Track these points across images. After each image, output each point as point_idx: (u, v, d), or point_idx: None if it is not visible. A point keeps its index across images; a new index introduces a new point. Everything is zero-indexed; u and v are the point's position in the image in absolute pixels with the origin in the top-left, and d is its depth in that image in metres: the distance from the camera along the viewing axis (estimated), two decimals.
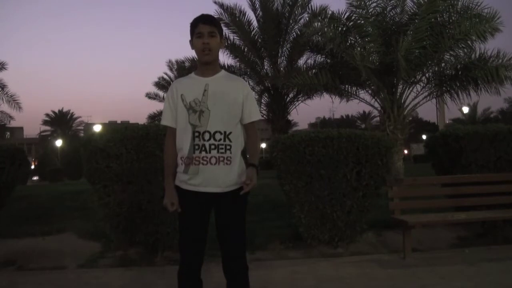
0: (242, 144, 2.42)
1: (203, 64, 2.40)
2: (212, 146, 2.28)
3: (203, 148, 2.28)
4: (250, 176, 2.23)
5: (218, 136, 2.29)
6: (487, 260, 4.27)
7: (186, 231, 2.38)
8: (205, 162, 2.28)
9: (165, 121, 2.44)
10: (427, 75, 11.09)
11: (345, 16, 11.10)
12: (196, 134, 2.30)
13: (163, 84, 27.18)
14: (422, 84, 11.17)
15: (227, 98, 2.34)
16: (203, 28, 2.34)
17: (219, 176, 2.29)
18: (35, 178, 34.09)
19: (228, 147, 2.30)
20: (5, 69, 19.11)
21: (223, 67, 16.05)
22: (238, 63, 16.70)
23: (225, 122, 2.32)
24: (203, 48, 2.33)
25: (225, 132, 2.31)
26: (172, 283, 3.75)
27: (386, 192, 4.67)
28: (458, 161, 5.25)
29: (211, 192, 2.31)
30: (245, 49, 16.23)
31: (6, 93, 19.10)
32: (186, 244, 2.38)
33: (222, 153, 2.29)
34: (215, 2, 15.30)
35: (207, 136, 2.29)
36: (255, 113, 2.45)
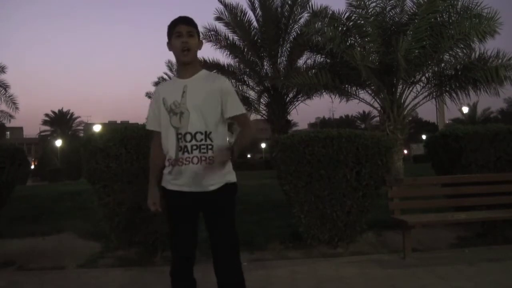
0: (226, 142, 2.41)
1: (182, 64, 2.41)
2: (194, 147, 2.30)
3: (185, 149, 2.31)
4: (217, 151, 2.27)
5: (199, 136, 2.31)
6: (487, 260, 4.26)
7: (174, 231, 2.43)
8: (187, 163, 2.30)
9: (150, 125, 2.49)
10: (426, 75, 11.11)
11: (345, 16, 11.12)
12: (179, 136, 2.32)
13: None
14: (421, 84, 11.19)
15: (205, 98, 2.34)
16: (181, 28, 2.35)
17: (201, 176, 2.30)
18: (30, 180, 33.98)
19: (209, 146, 2.30)
20: (4, 72, 19.16)
21: (223, 66, 16.16)
22: (237, 63, 16.72)
23: (205, 122, 2.32)
24: (182, 47, 2.34)
25: (205, 132, 2.31)
26: None
27: (386, 192, 4.66)
28: (458, 161, 5.25)
29: (196, 192, 2.32)
30: (245, 49, 16.23)
31: (6, 94, 19.11)
32: (175, 245, 2.42)
33: (203, 153, 2.29)
34: (219, 1, 15.31)
35: (188, 137, 2.31)
36: (235, 107, 2.41)
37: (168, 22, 2.41)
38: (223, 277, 2.34)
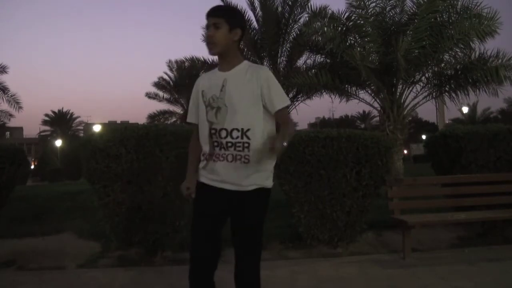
0: (264, 140, 2.22)
1: (219, 56, 2.31)
2: (229, 144, 2.20)
3: (221, 145, 2.22)
4: (271, 140, 2.10)
5: (235, 133, 2.19)
6: (487, 260, 4.27)
7: (197, 226, 2.26)
8: (222, 159, 2.21)
9: (190, 118, 2.42)
10: (426, 75, 11.09)
11: (345, 16, 11.10)
12: (213, 131, 2.23)
13: (162, 84, 27.15)
14: (421, 84, 11.17)
15: (244, 93, 2.22)
16: (208, 20, 2.27)
17: (234, 174, 2.20)
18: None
19: (246, 144, 2.18)
20: (6, 72, 19.13)
21: None
22: None
23: (243, 118, 2.19)
24: (207, 41, 2.26)
25: (242, 129, 2.19)
26: (172, 283, 3.77)
27: (386, 192, 4.67)
28: (458, 161, 5.25)
29: (229, 190, 2.22)
30: (245, 49, 16.24)
31: (8, 94, 19.09)
32: (195, 242, 2.25)
33: (239, 151, 2.18)
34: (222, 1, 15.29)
35: (223, 133, 2.20)
36: (279, 100, 2.25)
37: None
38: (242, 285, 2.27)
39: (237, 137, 2.19)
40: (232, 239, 2.31)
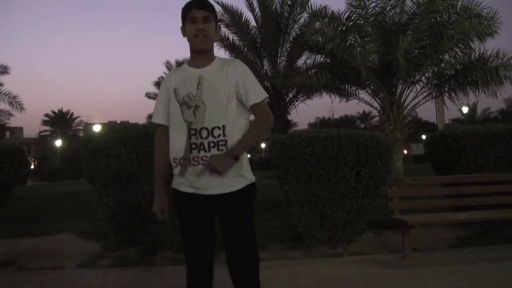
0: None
1: (196, 52, 2.17)
2: (212, 144, 2.06)
3: (201, 147, 2.06)
4: (213, 159, 2.00)
5: (216, 132, 2.07)
6: (487, 260, 4.27)
7: (189, 240, 2.14)
8: (203, 162, 2.06)
9: (156, 118, 2.23)
10: (426, 75, 11.09)
11: (345, 16, 11.10)
12: (193, 131, 2.08)
13: None
14: (421, 84, 11.17)
15: (222, 89, 2.10)
16: (196, 13, 2.12)
17: (218, 177, 2.05)
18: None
19: (223, 142, 2.07)
20: (8, 73, 19.15)
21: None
22: None
23: (223, 115, 2.08)
24: (197, 34, 2.11)
25: (223, 126, 2.07)
26: (172, 283, 3.77)
27: (386, 192, 4.67)
28: (458, 161, 5.25)
29: (214, 194, 2.08)
30: (245, 49, 16.24)
31: (7, 94, 19.10)
32: (190, 256, 2.13)
33: (221, 150, 2.06)
34: (217, 2, 15.30)
35: (204, 133, 2.06)
36: (254, 94, 2.15)
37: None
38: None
39: (219, 135, 2.07)
40: (225, 246, 2.15)
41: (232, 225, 2.13)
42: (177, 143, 2.12)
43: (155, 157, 2.25)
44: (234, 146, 2.07)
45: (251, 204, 2.18)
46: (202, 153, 2.07)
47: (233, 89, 2.13)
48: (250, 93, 2.14)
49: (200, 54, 2.17)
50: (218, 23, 2.21)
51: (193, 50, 2.18)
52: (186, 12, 2.15)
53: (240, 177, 2.13)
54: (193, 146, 2.08)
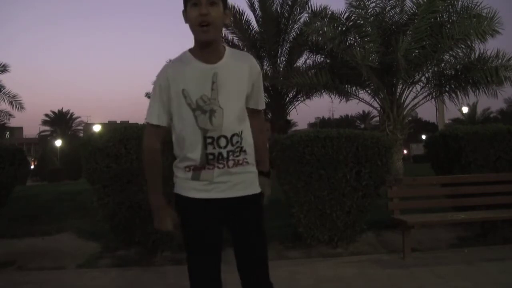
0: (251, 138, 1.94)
1: (204, 44, 1.79)
2: (230, 153, 1.81)
3: (219, 157, 1.80)
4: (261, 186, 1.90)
5: (235, 139, 1.81)
6: (487, 260, 4.27)
7: (200, 253, 1.85)
8: (221, 166, 1.82)
9: (156, 119, 1.83)
10: (426, 75, 11.09)
11: (345, 16, 11.12)
12: (209, 140, 1.79)
13: None
14: (421, 84, 11.18)
15: (238, 88, 1.84)
16: None
17: (236, 178, 1.86)
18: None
19: (242, 148, 1.87)
20: (8, 71, 19.12)
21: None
22: None
23: (242, 121, 1.85)
24: (200, 21, 1.72)
25: (241, 132, 1.84)
26: (172, 283, 3.77)
27: (386, 192, 4.67)
28: (458, 161, 5.25)
29: (228, 198, 1.85)
30: (245, 49, 16.24)
31: (7, 94, 19.10)
32: (200, 272, 1.85)
33: (237, 156, 1.84)
34: None
35: (223, 142, 1.80)
36: (262, 100, 1.98)
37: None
38: None
39: (237, 142, 1.83)
40: (238, 252, 1.97)
41: (251, 231, 1.98)
42: (191, 154, 1.82)
43: (149, 164, 1.92)
44: (263, 164, 2.00)
45: (261, 207, 2.06)
46: (221, 161, 1.83)
47: (249, 91, 1.89)
48: (260, 98, 1.98)
49: (208, 47, 1.79)
50: (226, 10, 1.82)
51: (198, 40, 1.81)
52: None
53: (255, 182, 1.96)
54: (210, 157, 1.81)
